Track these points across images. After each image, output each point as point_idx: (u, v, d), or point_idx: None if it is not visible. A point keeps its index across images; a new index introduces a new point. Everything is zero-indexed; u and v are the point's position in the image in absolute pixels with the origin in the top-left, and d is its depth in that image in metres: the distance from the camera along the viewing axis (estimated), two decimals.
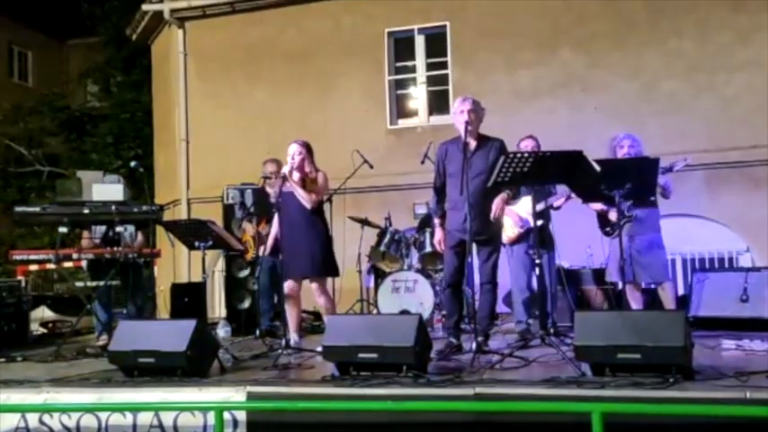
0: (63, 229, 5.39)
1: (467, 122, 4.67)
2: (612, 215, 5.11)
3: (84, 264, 6.00)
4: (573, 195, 5.38)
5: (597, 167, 4.33)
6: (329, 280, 5.53)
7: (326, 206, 5.56)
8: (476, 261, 5.01)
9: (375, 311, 6.50)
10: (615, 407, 3.23)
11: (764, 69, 7.96)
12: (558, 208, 5.69)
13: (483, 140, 4.87)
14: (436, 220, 5.05)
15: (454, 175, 4.79)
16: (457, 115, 4.81)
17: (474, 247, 4.89)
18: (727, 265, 7.94)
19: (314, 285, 5.18)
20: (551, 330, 4.80)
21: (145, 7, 10.54)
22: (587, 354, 3.76)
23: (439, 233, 5.01)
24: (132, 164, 5.75)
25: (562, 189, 5.52)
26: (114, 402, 3.84)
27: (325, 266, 5.23)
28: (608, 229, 5.35)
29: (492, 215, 4.75)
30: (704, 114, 8.12)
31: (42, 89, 17.04)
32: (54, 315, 8.11)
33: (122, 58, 15.37)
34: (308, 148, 5.25)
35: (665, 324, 3.65)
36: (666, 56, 8.33)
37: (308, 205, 5.13)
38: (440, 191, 4.98)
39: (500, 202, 4.77)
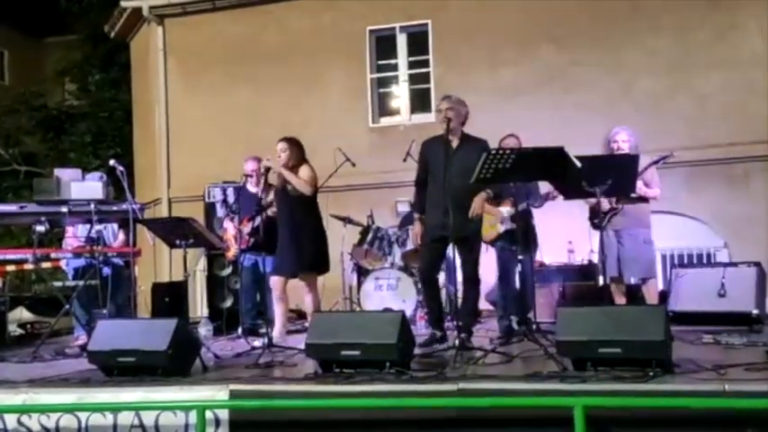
0: (41, 228, 5.32)
1: (447, 119, 4.75)
2: (604, 204, 5.11)
3: (63, 264, 5.93)
4: (550, 197, 5.43)
5: (578, 163, 4.36)
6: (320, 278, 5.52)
7: (317, 200, 5.51)
8: (457, 259, 5.03)
9: (358, 309, 6.49)
10: (597, 401, 3.25)
11: (741, 67, 8.07)
12: (539, 206, 5.72)
13: (466, 139, 4.92)
14: (416, 215, 5.10)
15: (436, 172, 4.85)
16: (438, 114, 4.90)
17: (455, 245, 4.90)
18: (705, 260, 8.03)
19: (302, 282, 5.16)
20: (533, 327, 4.83)
21: (123, 4, 10.43)
22: (569, 349, 3.79)
23: (418, 226, 5.05)
24: (111, 162, 5.68)
25: (544, 190, 5.57)
26: (94, 402, 3.80)
27: (314, 262, 5.21)
28: (597, 221, 5.39)
29: (471, 213, 4.78)
30: (683, 112, 8.21)
31: (19, 88, 16.79)
32: (32, 316, 8.02)
33: (100, 56, 15.20)
34: (294, 143, 5.25)
35: (646, 319, 3.69)
36: (645, 53, 8.40)
37: (306, 190, 5.13)
38: (422, 186, 5.02)
39: (480, 200, 4.82)
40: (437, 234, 4.81)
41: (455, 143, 4.88)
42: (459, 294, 5.02)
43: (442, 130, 4.84)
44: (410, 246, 6.46)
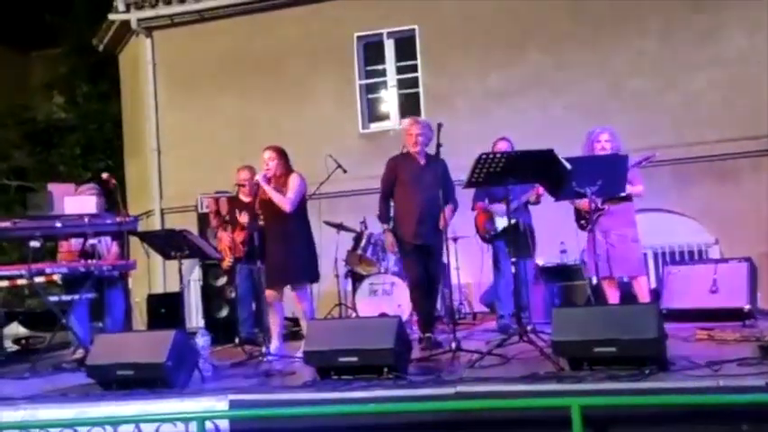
0: (35, 244, 5.32)
1: (418, 143, 5.20)
2: (585, 204, 5.16)
3: (57, 278, 5.92)
4: (541, 191, 5.50)
5: (568, 165, 4.41)
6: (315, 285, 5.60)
7: (306, 210, 5.53)
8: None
9: (353, 315, 6.51)
10: (593, 400, 3.29)
11: (725, 66, 8.16)
12: (537, 202, 5.77)
13: (429, 157, 5.26)
14: (385, 226, 5.39)
15: (407, 186, 5.23)
16: (406, 135, 5.30)
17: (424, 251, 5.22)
18: (696, 257, 8.09)
19: (293, 293, 5.19)
20: (528, 327, 4.87)
21: (111, 17, 10.41)
22: (565, 349, 3.83)
23: (389, 237, 5.36)
24: (104, 175, 5.69)
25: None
26: (93, 417, 3.80)
27: (304, 272, 5.23)
28: (583, 222, 5.44)
29: (441, 224, 5.01)
30: (669, 111, 8.28)
31: (6, 102, 16.71)
32: (27, 331, 7.97)
33: (88, 69, 15.16)
34: (281, 153, 5.27)
35: (639, 317, 3.74)
36: (632, 55, 8.47)
37: (286, 208, 5.13)
38: (387, 200, 5.39)
39: (448, 212, 5.14)
40: (412, 243, 5.19)
41: (422, 161, 5.27)
42: (455, 297, 5.12)
43: (410, 146, 5.29)
44: None
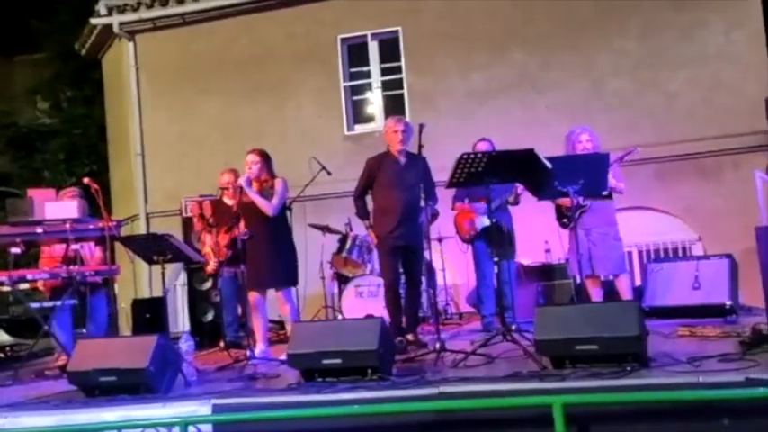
0: (16, 250, 5.27)
1: (401, 141, 5.21)
2: (567, 201, 5.18)
3: (41, 284, 5.87)
4: (520, 191, 5.52)
5: (549, 164, 4.43)
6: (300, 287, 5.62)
7: (287, 214, 5.56)
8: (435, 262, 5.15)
9: (340, 317, 6.51)
10: (575, 398, 3.30)
11: (705, 65, 8.24)
12: (515, 203, 5.79)
13: (410, 156, 5.25)
14: (367, 222, 5.43)
15: (386, 186, 5.23)
16: (390, 134, 5.28)
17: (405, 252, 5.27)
18: (680, 254, 8.15)
19: (278, 295, 5.20)
20: (512, 327, 4.89)
21: (93, 21, 10.35)
22: (548, 347, 3.84)
23: (373, 233, 5.39)
24: (85, 180, 5.65)
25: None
26: (76, 424, 3.77)
27: (288, 274, 5.25)
28: (564, 220, 5.48)
29: (423, 226, 5.03)
30: (650, 109, 8.35)
31: None
32: (10, 339, 7.90)
33: (72, 73, 15.06)
34: (264, 156, 5.27)
35: (620, 314, 3.76)
36: (613, 54, 8.54)
37: (269, 212, 5.14)
38: (362, 198, 5.43)
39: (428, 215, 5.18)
40: (393, 244, 5.20)
41: (402, 161, 5.25)
42: (441, 298, 5.12)
43: (395, 144, 5.28)
44: None
